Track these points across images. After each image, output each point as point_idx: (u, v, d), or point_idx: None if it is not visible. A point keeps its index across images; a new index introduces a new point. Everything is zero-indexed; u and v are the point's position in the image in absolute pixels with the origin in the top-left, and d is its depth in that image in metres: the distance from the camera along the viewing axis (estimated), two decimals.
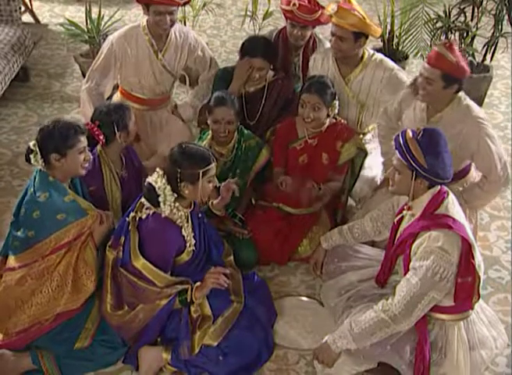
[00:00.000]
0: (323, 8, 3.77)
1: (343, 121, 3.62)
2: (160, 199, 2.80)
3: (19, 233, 2.89)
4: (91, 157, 2.99)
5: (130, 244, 2.85)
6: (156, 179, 2.82)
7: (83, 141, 2.93)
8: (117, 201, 3.29)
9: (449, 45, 3.10)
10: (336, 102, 3.50)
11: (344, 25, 3.48)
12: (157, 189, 2.80)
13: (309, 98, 3.43)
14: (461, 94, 3.22)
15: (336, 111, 3.53)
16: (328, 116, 3.51)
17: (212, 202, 3.26)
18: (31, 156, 2.89)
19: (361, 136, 3.81)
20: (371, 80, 3.65)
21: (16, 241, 2.91)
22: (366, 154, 3.66)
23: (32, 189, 2.89)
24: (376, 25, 3.62)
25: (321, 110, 3.45)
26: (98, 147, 3.25)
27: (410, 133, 2.72)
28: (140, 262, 2.83)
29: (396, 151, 2.74)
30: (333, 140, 3.56)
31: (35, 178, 2.92)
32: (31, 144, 2.90)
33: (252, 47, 3.69)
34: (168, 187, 2.81)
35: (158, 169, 2.85)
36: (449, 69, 3.08)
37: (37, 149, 2.87)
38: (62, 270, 2.88)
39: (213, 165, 2.86)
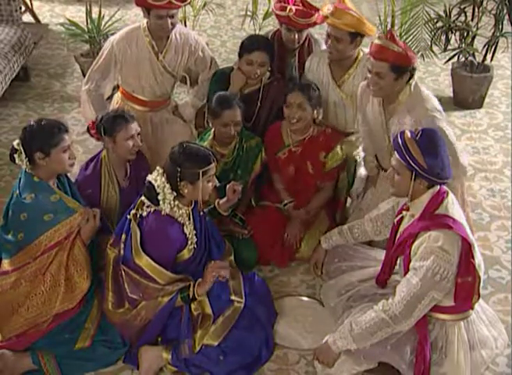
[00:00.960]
0: (317, 10, 3.72)
1: (327, 130, 3.56)
2: (159, 198, 2.81)
3: (9, 237, 2.89)
4: (75, 156, 2.99)
5: (132, 241, 2.86)
6: (156, 177, 2.83)
7: (68, 139, 2.92)
8: (113, 208, 3.27)
9: (391, 36, 3.07)
10: (321, 109, 3.48)
11: (340, 25, 3.45)
12: (156, 187, 2.80)
13: (293, 98, 3.41)
14: (413, 82, 3.17)
15: (321, 116, 3.51)
16: (314, 121, 3.49)
17: (218, 202, 3.26)
18: (15, 156, 2.88)
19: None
20: (361, 78, 3.60)
21: (7, 245, 2.91)
22: (356, 161, 3.66)
23: (17, 191, 2.88)
24: (371, 24, 3.60)
25: (306, 110, 3.43)
26: (103, 152, 3.27)
27: (408, 134, 2.72)
28: (142, 260, 2.83)
29: (395, 152, 2.74)
30: (316, 150, 3.54)
31: (20, 180, 2.91)
32: (15, 143, 2.89)
33: (252, 42, 3.66)
34: (168, 186, 2.81)
35: (158, 168, 2.86)
36: (396, 59, 3.05)
37: (21, 148, 2.86)
38: (54, 270, 2.88)
39: (213, 165, 2.87)
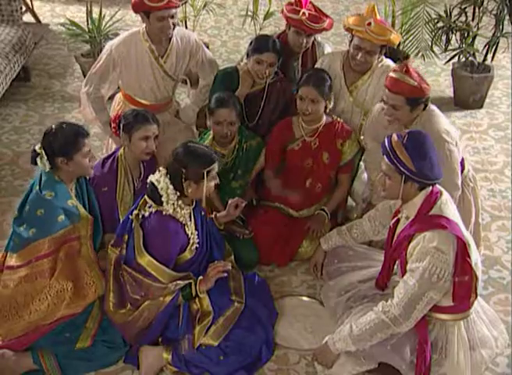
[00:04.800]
0: (327, 16, 3.74)
1: (339, 120, 3.59)
2: (163, 199, 2.82)
3: (21, 229, 2.92)
4: (96, 158, 3.02)
5: (134, 241, 2.86)
6: (158, 178, 2.83)
7: (88, 144, 2.98)
8: (127, 207, 3.27)
9: (406, 69, 3.08)
10: (332, 95, 3.49)
11: (378, 41, 3.42)
12: (159, 189, 2.81)
13: (307, 92, 3.41)
14: (427, 108, 3.18)
15: (332, 104, 3.51)
16: (326, 108, 3.50)
17: (216, 214, 3.27)
18: (37, 159, 2.94)
19: (361, 137, 3.81)
20: (376, 86, 3.60)
21: (17, 238, 2.93)
22: (363, 151, 3.64)
23: (38, 187, 2.93)
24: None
25: (320, 103, 3.44)
26: (120, 150, 3.28)
27: (395, 138, 2.72)
28: (145, 259, 2.84)
29: (384, 157, 2.74)
30: (332, 138, 3.55)
31: (41, 176, 2.96)
32: (37, 147, 2.95)
33: (263, 42, 3.64)
34: (171, 187, 2.82)
35: (160, 168, 2.87)
36: (411, 92, 3.06)
37: (43, 153, 2.91)
38: (61, 276, 2.89)
39: (216, 164, 2.89)
